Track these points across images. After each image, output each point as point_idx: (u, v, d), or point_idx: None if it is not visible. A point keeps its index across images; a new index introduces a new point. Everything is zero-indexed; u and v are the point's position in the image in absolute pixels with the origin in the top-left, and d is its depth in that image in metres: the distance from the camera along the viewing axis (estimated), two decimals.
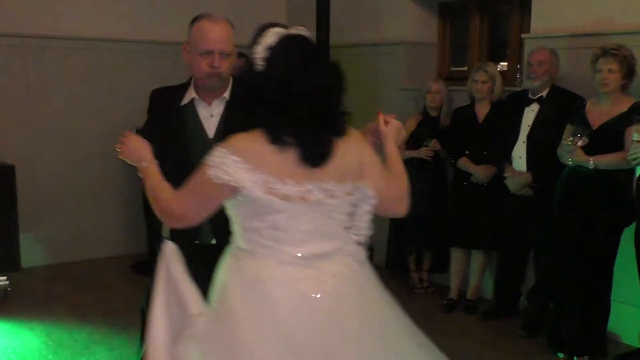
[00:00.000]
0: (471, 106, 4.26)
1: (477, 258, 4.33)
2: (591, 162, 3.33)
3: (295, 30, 1.80)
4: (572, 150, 3.35)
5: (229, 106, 2.30)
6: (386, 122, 2.06)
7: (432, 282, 4.72)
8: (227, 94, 2.32)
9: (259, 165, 1.71)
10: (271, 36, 1.77)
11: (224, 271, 1.84)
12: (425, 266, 4.71)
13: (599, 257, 3.41)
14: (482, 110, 4.20)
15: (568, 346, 3.50)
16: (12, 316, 4.01)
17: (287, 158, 1.72)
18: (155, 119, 2.41)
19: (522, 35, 4.32)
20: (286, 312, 1.74)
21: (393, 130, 2.05)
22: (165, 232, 2.04)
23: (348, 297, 1.83)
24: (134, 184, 5.25)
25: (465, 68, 5.04)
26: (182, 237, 2.06)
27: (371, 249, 4.77)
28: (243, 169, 1.69)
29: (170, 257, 1.99)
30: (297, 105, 1.71)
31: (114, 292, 4.57)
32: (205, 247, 2.30)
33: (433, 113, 4.51)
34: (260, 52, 1.75)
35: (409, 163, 4.52)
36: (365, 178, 1.85)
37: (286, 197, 1.72)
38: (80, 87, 5.12)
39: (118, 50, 5.22)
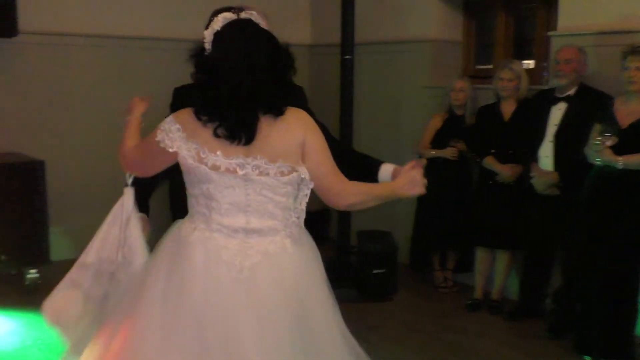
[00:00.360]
0: (497, 104, 4.23)
1: (502, 258, 4.30)
2: (620, 161, 3.28)
3: (245, 15, 1.92)
4: (600, 149, 3.31)
5: None
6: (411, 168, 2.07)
7: (456, 281, 4.71)
8: None
9: (193, 135, 1.86)
10: (218, 21, 1.88)
11: (169, 229, 2.02)
12: (449, 265, 4.70)
13: (626, 259, 3.37)
14: (507, 108, 4.17)
15: (595, 349, 3.47)
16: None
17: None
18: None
19: (549, 33, 4.28)
20: (201, 273, 1.86)
21: (407, 178, 2.06)
22: (128, 179, 2.26)
23: (270, 276, 1.89)
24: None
25: (490, 66, 5.00)
26: (139, 194, 2.32)
27: (395, 248, 4.82)
28: (182, 137, 1.87)
29: (129, 199, 2.24)
30: (219, 83, 1.82)
31: None
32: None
33: (458, 111, 4.48)
34: (208, 37, 1.88)
35: (433, 162, 4.53)
36: (304, 161, 1.92)
37: (215, 168, 1.85)
38: (108, 84, 5.18)
39: (146, 48, 5.28)
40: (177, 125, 1.87)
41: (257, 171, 1.86)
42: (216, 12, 1.94)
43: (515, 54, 4.83)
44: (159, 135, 1.89)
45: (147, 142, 1.98)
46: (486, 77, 4.84)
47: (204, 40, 1.88)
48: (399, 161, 5.52)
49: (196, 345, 1.83)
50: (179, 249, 1.92)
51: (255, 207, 1.89)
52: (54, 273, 2.24)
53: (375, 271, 4.51)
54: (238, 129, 1.83)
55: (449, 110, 4.53)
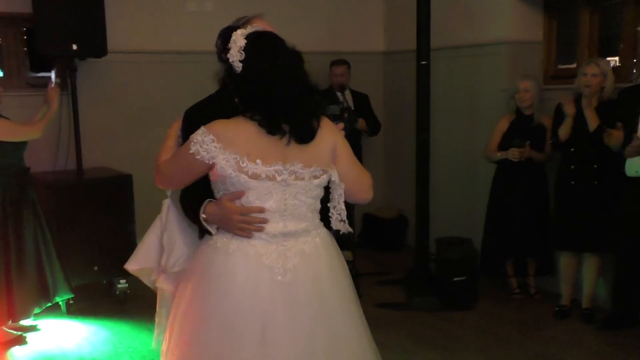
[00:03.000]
0: (575, 101, 4.06)
1: (592, 262, 4.11)
2: None
3: (252, 28, 2.00)
4: None
5: None
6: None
7: (537, 287, 4.56)
8: None
9: (230, 145, 1.89)
10: (240, 38, 1.93)
11: (202, 242, 2.06)
12: (530, 271, 4.55)
13: None
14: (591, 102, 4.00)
15: None
16: (132, 317, 4.25)
17: (261, 140, 1.91)
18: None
19: (639, 28, 4.07)
20: (242, 281, 1.91)
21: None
22: (168, 191, 2.25)
23: (309, 276, 1.98)
24: None
25: (573, 65, 4.82)
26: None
27: (475, 255, 4.69)
28: (217, 148, 1.89)
29: (165, 210, 2.24)
30: (279, 96, 1.89)
31: None
32: None
33: (527, 112, 4.38)
34: (236, 56, 1.91)
35: (502, 164, 4.42)
36: (336, 164, 2.04)
37: (255, 176, 1.90)
38: (192, 99, 5.34)
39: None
40: (211, 137, 1.89)
41: (293, 176, 1.94)
42: (228, 31, 2.07)
43: (600, 53, 4.63)
44: (193, 148, 1.90)
45: (180, 154, 2.00)
46: (569, 76, 4.66)
47: (231, 61, 1.92)
48: (477, 166, 5.48)
49: (229, 346, 1.89)
50: (216, 261, 1.95)
51: (291, 211, 1.97)
52: (142, 283, 2.33)
53: (455, 279, 4.42)
54: (304, 131, 1.94)
55: (516, 111, 4.42)
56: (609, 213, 3.93)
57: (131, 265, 2.27)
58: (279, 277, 1.92)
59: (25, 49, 4.91)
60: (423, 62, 4.39)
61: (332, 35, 5.83)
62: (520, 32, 4.86)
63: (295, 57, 1.98)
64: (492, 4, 4.95)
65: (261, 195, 1.92)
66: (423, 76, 4.42)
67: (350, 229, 2.14)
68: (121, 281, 4.49)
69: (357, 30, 5.97)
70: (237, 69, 1.91)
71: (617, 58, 4.60)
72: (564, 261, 4.20)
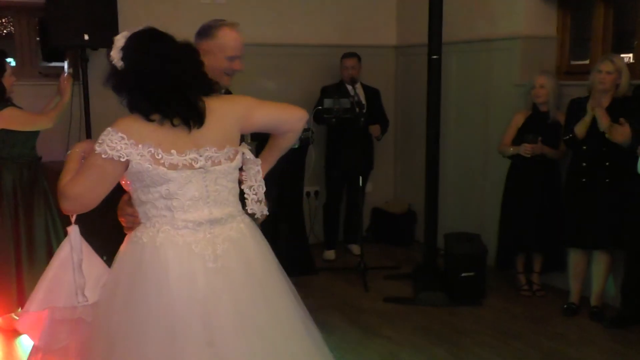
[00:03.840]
0: (588, 99, 4.02)
1: (601, 259, 4.08)
2: None
3: (139, 28, 2.01)
4: None
5: None
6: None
7: (545, 284, 4.54)
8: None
9: (142, 139, 1.88)
10: (120, 39, 1.96)
11: (123, 244, 2.03)
12: (536, 267, 4.53)
13: None
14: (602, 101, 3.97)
15: None
16: None
17: (168, 131, 1.91)
18: None
19: None
20: (177, 273, 1.90)
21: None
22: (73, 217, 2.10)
23: (240, 261, 2.01)
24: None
25: (587, 61, 4.78)
26: None
27: (484, 250, 4.71)
28: (129, 144, 1.86)
29: (76, 239, 2.07)
30: (157, 85, 1.90)
31: None
32: None
33: (543, 108, 4.35)
34: (116, 55, 1.94)
35: (516, 159, 4.39)
36: (254, 117, 2.10)
37: (173, 167, 1.91)
38: None
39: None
40: (120, 134, 1.86)
41: (210, 162, 1.96)
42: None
43: (615, 48, 4.58)
44: (99, 148, 1.85)
45: (88, 164, 1.90)
46: (582, 72, 4.62)
47: (111, 60, 1.95)
48: (489, 161, 5.46)
49: (174, 343, 1.87)
50: (146, 258, 1.93)
51: (214, 197, 1.99)
52: None
53: (463, 274, 4.42)
54: (191, 114, 1.93)
55: (532, 107, 4.39)
56: (619, 211, 3.90)
57: (33, 307, 2.04)
58: (210, 264, 1.94)
59: (38, 39, 4.94)
60: (434, 57, 4.37)
61: (344, 29, 5.81)
62: (534, 27, 4.82)
63: (180, 48, 2.01)
64: None
65: (182, 185, 1.94)
66: (434, 71, 4.40)
67: (266, 212, 2.17)
68: None
69: (369, 23, 5.95)
70: (119, 67, 1.94)
71: (631, 54, 4.55)
72: (574, 258, 4.18)
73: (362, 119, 4.85)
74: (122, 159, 1.86)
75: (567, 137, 4.09)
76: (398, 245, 5.79)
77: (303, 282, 4.87)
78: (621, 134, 3.69)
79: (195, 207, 1.96)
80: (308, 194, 5.65)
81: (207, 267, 1.94)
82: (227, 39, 2.52)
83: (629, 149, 3.66)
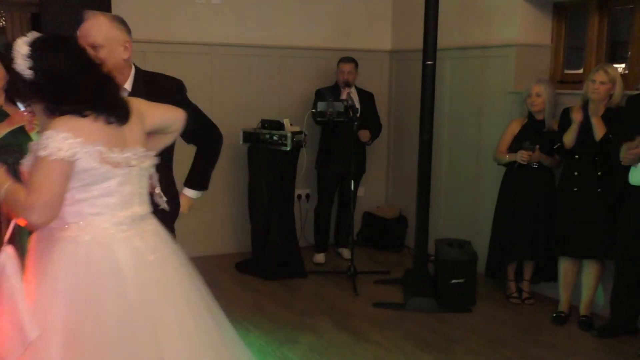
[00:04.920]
0: (583, 107, 4.03)
1: (591, 268, 4.08)
2: None
3: (32, 35, 1.96)
4: None
5: (132, 95, 2.46)
6: None
7: (534, 292, 4.54)
8: (127, 85, 2.53)
9: (89, 138, 1.88)
10: (22, 47, 1.90)
11: (36, 242, 1.97)
12: (526, 275, 4.53)
13: None
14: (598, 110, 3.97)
15: None
16: None
17: (106, 129, 1.92)
18: None
19: None
20: (126, 267, 1.95)
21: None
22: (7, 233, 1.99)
23: (168, 253, 2.10)
24: (240, 185, 5.42)
25: (580, 70, 4.79)
26: None
27: (474, 257, 4.70)
28: (76, 143, 1.85)
29: (8, 267, 1.91)
30: (81, 85, 1.91)
31: (220, 289, 4.70)
32: None
33: (538, 116, 4.34)
34: (22, 64, 1.88)
35: (510, 167, 4.39)
36: (151, 116, 2.13)
37: (117, 164, 1.95)
38: (197, 89, 5.33)
39: (226, 54, 5.42)
40: (64, 134, 1.83)
41: (140, 160, 2.04)
42: (7, 46, 2.08)
43: (608, 58, 4.60)
44: (45, 152, 1.80)
45: (44, 172, 1.83)
46: (576, 82, 4.64)
47: (22, 69, 1.88)
48: (481, 168, 5.47)
49: (134, 336, 1.92)
50: (91, 256, 1.92)
51: (139, 193, 2.07)
52: None
53: (453, 281, 4.41)
54: (120, 111, 1.97)
55: (528, 115, 4.39)
56: (610, 220, 3.91)
57: None
58: (151, 257, 2.02)
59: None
60: (429, 62, 4.37)
61: (340, 33, 5.81)
62: (529, 35, 4.84)
63: (82, 49, 2.03)
64: (501, 6, 4.93)
65: (122, 182, 1.99)
66: (428, 76, 4.39)
67: (166, 207, 2.28)
68: None
69: (365, 28, 5.95)
70: (27, 76, 1.88)
71: (624, 65, 4.57)
72: (564, 267, 4.18)
73: (356, 123, 4.85)
74: (72, 159, 1.85)
75: (557, 145, 4.10)
76: (388, 250, 5.78)
77: (292, 285, 4.85)
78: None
79: (130, 203, 2.03)
80: (299, 196, 5.64)
81: (149, 260, 2.01)
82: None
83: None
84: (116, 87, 2.05)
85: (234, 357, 2.22)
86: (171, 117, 2.27)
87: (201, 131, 2.77)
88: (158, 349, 1.95)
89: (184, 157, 2.89)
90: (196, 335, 2.05)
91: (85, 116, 1.89)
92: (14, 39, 5.12)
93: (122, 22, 2.52)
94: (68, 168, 1.85)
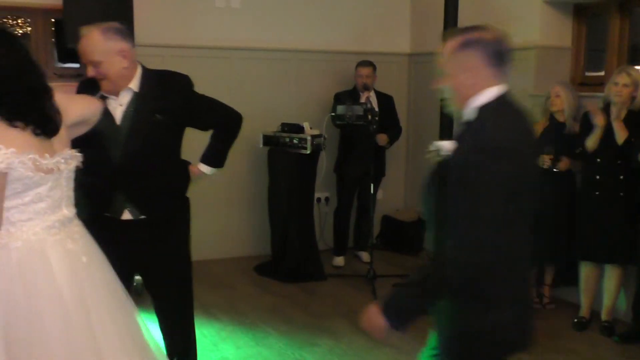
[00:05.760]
0: (605, 110, 3.99)
1: (613, 273, 4.04)
2: None
3: None
4: None
5: (137, 96, 2.56)
6: None
7: (555, 297, 4.50)
8: (133, 85, 2.56)
9: (21, 147, 1.91)
10: None
11: None
12: (547, 280, 4.49)
13: None
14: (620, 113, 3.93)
15: None
16: (148, 310, 4.27)
17: (34, 138, 1.96)
18: None
19: None
20: (61, 269, 2.00)
21: None
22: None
23: (96, 253, 2.18)
24: (260, 188, 5.44)
25: (601, 73, 4.74)
26: (94, 209, 2.43)
27: None
28: (9, 153, 1.89)
29: None
30: (10, 94, 1.92)
31: (240, 292, 4.75)
32: (117, 222, 2.59)
33: (559, 118, 4.30)
34: None
35: None
36: (72, 111, 2.16)
37: (49, 171, 2.00)
38: (216, 94, 5.38)
39: (245, 58, 5.45)
40: None
41: (67, 163, 2.08)
42: None
43: (630, 60, 4.55)
44: None
45: None
46: (596, 84, 4.59)
47: None
48: None
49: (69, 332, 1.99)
50: (24, 262, 1.96)
51: (67, 196, 2.13)
52: None
53: None
54: (48, 123, 2.01)
55: (549, 117, 4.35)
56: (632, 225, 3.86)
57: None
58: (84, 259, 2.09)
59: (53, 40, 4.98)
60: None
61: (358, 36, 5.82)
62: (549, 38, 4.80)
63: (27, 51, 2.02)
64: (520, 8, 4.90)
65: (52, 187, 2.03)
66: None
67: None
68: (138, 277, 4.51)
69: (383, 31, 5.95)
70: None
71: None
72: (585, 272, 4.14)
73: (374, 126, 4.85)
74: (7, 170, 1.89)
75: (579, 150, 4.06)
76: (407, 253, 5.77)
77: (311, 288, 4.86)
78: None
79: (59, 207, 2.08)
80: (319, 199, 5.65)
81: (82, 261, 2.09)
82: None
83: None
84: (50, 97, 2.04)
85: (155, 355, 2.32)
86: (90, 110, 2.32)
87: (221, 118, 2.84)
88: (95, 348, 2.01)
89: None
90: (128, 334, 2.15)
91: (15, 127, 1.93)
92: (37, 46, 5.23)
93: (117, 30, 2.53)
94: (3, 179, 1.89)
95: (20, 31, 5.15)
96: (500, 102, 1.82)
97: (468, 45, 1.82)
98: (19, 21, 5.14)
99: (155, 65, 5.12)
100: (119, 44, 2.51)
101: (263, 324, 4.08)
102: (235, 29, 5.39)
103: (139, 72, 2.60)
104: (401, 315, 1.88)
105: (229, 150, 2.93)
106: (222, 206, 5.54)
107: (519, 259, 1.86)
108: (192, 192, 5.26)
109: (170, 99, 2.61)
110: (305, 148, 4.94)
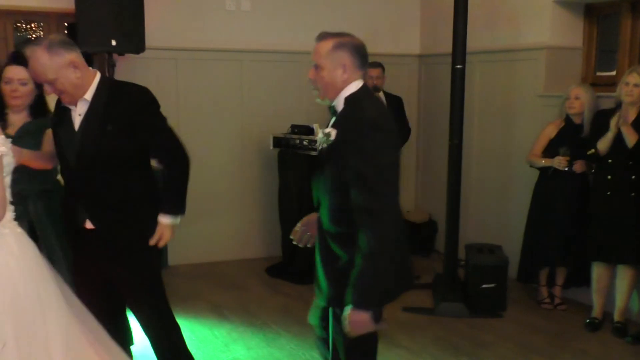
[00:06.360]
0: (616, 110, 3.96)
1: (625, 274, 4.01)
2: None
3: None
4: None
5: (90, 104, 2.58)
6: None
7: (567, 298, 4.48)
8: (88, 95, 2.58)
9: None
10: None
11: None
12: (558, 281, 4.47)
13: None
14: (629, 115, 3.91)
15: None
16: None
17: None
18: (53, 117, 2.81)
19: None
20: (29, 257, 2.22)
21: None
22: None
23: (33, 248, 2.29)
24: (271, 190, 5.47)
25: (613, 73, 4.72)
26: (71, 222, 2.65)
27: (506, 262, 4.65)
28: (2, 139, 2.13)
29: None
30: None
31: (251, 293, 4.77)
32: (84, 231, 2.63)
33: (576, 120, 4.27)
34: None
35: (545, 172, 4.34)
36: None
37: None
38: (228, 96, 5.43)
39: (256, 60, 5.48)
40: None
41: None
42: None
43: None
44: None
45: None
46: (608, 84, 4.57)
47: None
48: (511, 172, 5.41)
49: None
50: (12, 247, 2.19)
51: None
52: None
53: (484, 286, 4.38)
54: None
55: (566, 118, 4.32)
56: None
57: None
58: (36, 250, 2.26)
59: None
60: (458, 66, 4.35)
61: (368, 37, 5.72)
62: (560, 38, 4.79)
63: None
64: (531, 8, 4.89)
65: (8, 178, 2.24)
66: (458, 81, 4.38)
67: None
68: None
69: (393, 32, 5.96)
70: None
71: None
72: (597, 272, 4.12)
73: None
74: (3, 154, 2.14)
75: (590, 152, 4.04)
76: (418, 254, 5.76)
77: None
78: None
79: (12, 203, 2.26)
80: None
81: (39, 254, 2.26)
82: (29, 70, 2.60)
83: None
84: None
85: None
86: None
87: (164, 149, 2.66)
88: (43, 318, 2.16)
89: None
90: (75, 323, 2.26)
91: None
92: None
93: (60, 43, 2.50)
94: (1, 162, 2.15)
95: (34, 35, 5.21)
96: (363, 92, 2.23)
97: (343, 46, 2.19)
98: (32, 25, 5.20)
99: (167, 68, 5.23)
100: (67, 56, 2.49)
101: (274, 324, 4.10)
102: (246, 32, 5.42)
103: (96, 80, 2.59)
104: (373, 297, 2.13)
105: (181, 194, 2.72)
106: (233, 208, 5.56)
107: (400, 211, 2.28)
108: (204, 195, 5.33)
109: (121, 109, 2.56)
110: (316, 149, 4.94)
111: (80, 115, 2.59)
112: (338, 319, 2.27)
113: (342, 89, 2.22)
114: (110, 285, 2.70)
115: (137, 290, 2.70)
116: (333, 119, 2.26)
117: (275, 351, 3.72)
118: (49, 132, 2.88)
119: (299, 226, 2.58)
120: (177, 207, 2.70)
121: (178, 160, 2.69)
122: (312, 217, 2.56)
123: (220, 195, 5.51)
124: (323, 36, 2.23)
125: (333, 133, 2.20)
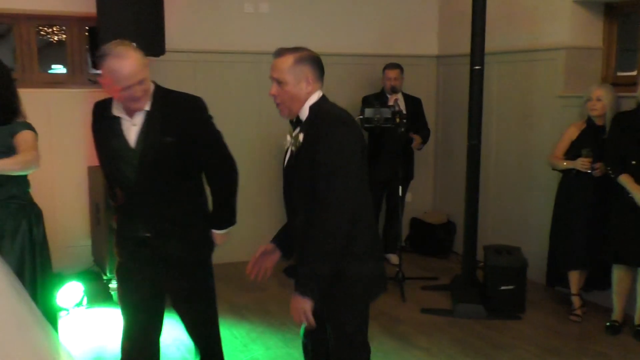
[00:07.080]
0: (637, 112, 3.93)
1: None
2: None
3: None
4: None
5: (149, 115, 2.48)
6: None
7: (587, 301, 4.43)
8: (148, 106, 2.49)
9: None
10: None
11: None
12: (579, 284, 4.41)
13: None
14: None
15: None
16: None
17: None
18: (95, 125, 2.62)
19: None
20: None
21: None
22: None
23: None
24: None
25: (633, 73, 4.68)
26: (129, 231, 2.58)
27: (524, 264, 4.61)
28: None
29: None
30: None
31: (269, 293, 4.80)
32: (142, 240, 2.57)
33: (598, 122, 4.22)
34: None
35: (567, 174, 4.30)
36: None
37: None
38: (247, 98, 5.47)
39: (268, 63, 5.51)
40: None
41: None
42: None
43: None
44: None
45: None
46: (629, 84, 4.52)
47: None
48: (530, 173, 5.36)
49: None
50: None
51: None
52: None
53: (503, 287, 4.36)
54: None
55: (587, 120, 4.27)
56: None
57: None
58: None
59: (87, 47, 5.10)
60: (477, 67, 4.34)
61: (386, 39, 5.83)
62: (579, 38, 4.75)
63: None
64: (550, 9, 4.86)
65: None
66: (476, 82, 4.37)
67: None
68: None
69: (411, 33, 5.95)
70: None
71: None
72: (618, 275, 4.08)
73: (402, 129, 4.85)
74: None
75: (609, 167, 4.00)
76: (436, 256, 5.75)
77: None
78: None
79: None
80: None
81: None
82: (113, 72, 2.42)
83: None
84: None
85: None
86: None
87: (213, 160, 2.62)
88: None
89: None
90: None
91: None
92: (72, 52, 5.34)
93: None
94: None
95: (56, 38, 5.30)
96: (324, 100, 2.34)
97: (304, 60, 2.31)
98: (54, 29, 5.29)
99: (186, 71, 5.28)
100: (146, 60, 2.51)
101: (292, 325, 4.11)
102: (264, 34, 5.45)
103: (151, 90, 2.51)
104: (313, 284, 2.22)
105: (231, 208, 2.78)
106: (251, 209, 5.60)
107: (370, 211, 2.36)
108: None
109: (178, 120, 2.50)
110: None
111: (135, 125, 2.49)
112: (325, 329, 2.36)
113: (305, 100, 2.32)
114: (155, 300, 2.72)
115: (194, 301, 2.76)
116: (297, 129, 2.34)
117: (294, 351, 3.74)
118: (21, 135, 2.87)
119: (255, 258, 2.71)
120: (229, 221, 2.81)
121: (225, 168, 2.69)
122: (268, 247, 2.68)
123: (239, 197, 5.54)
124: (281, 52, 2.34)
125: (301, 136, 2.29)
